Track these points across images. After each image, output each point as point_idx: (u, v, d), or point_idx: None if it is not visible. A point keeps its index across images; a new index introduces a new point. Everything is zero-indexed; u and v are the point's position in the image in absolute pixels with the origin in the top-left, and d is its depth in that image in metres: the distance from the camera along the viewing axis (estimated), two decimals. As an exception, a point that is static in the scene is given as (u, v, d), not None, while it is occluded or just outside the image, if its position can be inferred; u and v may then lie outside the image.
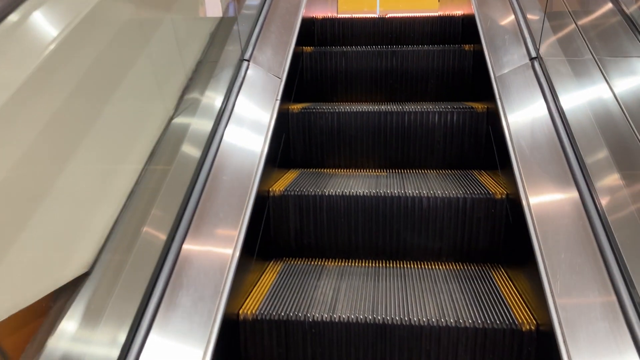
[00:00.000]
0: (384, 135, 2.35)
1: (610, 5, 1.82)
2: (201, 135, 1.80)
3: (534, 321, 1.48)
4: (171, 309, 1.35)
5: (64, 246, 1.17)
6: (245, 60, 2.25)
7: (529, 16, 2.28)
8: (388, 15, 3.38)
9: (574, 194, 1.52)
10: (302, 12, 2.83)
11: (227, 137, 1.88)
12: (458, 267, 1.91)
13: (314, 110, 2.38)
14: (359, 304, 1.63)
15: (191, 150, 1.73)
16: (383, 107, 2.35)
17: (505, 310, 1.56)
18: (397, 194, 1.92)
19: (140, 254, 1.37)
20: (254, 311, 1.59)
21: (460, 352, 1.51)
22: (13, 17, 1.04)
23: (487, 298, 1.65)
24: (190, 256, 1.49)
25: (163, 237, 1.46)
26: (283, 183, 2.10)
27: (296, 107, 2.42)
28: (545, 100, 1.86)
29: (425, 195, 1.90)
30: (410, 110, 2.31)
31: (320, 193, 1.96)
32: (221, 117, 1.93)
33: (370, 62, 2.81)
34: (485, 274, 1.85)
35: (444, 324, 1.51)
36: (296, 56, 2.62)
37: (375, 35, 3.27)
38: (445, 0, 4.43)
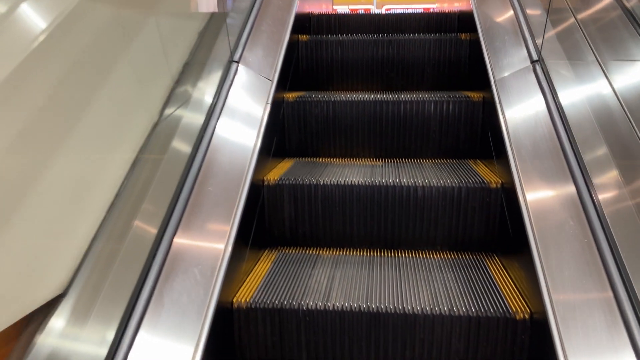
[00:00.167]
0: (380, 125, 2.34)
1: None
2: (187, 144, 1.71)
3: (528, 310, 1.48)
4: (164, 297, 1.35)
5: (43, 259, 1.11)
6: (235, 61, 2.15)
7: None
8: (385, 10, 3.38)
9: (570, 184, 1.51)
10: (296, 8, 2.74)
11: (214, 147, 1.80)
12: (453, 256, 1.91)
13: (309, 99, 2.37)
14: (354, 293, 1.62)
15: (176, 161, 1.64)
16: (379, 96, 2.34)
17: (500, 299, 1.56)
18: (392, 183, 1.91)
19: (130, 249, 1.35)
20: (247, 299, 1.59)
21: (454, 341, 1.52)
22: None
23: (481, 287, 1.65)
24: (182, 247, 1.48)
25: (154, 231, 1.44)
26: (278, 172, 2.09)
27: (291, 95, 2.40)
28: (540, 87, 1.85)
29: (421, 184, 1.90)
30: (406, 99, 2.30)
31: (315, 182, 1.95)
32: (210, 115, 1.86)
33: (366, 51, 2.80)
34: (479, 263, 1.85)
35: (438, 313, 1.51)
36: (291, 47, 2.59)
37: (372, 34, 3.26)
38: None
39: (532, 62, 2.01)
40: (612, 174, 1.43)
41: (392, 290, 1.64)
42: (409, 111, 2.31)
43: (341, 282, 1.70)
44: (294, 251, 1.99)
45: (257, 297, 1.60)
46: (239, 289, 1.65)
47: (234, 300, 1.58)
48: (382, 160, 2.36)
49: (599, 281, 1.28)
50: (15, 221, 1.00)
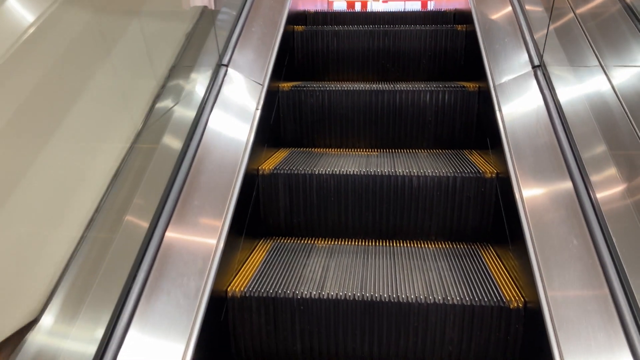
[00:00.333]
0: (375, 114, 2.34)
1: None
2: (170, 162, 1.61)
3: (522, 299, 1.49)
4: (157, 286, 1.34)
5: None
6: (224, 65, 2.05)
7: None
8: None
9: (565, 175, 1.51)
10: (289, 6, 2.65)
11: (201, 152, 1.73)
12: (447, 246, 1.91)
13: (305, 89, 2.36)
14: (348, 282, 1.62)
15: (160, 173, 1.54)
16: (374, 86, 2.33)
17: (494, 288, 1.56)
18: (387, 173, 1.91)
19: (123, 240, 1.33)
20: (242, 289, 1.58)
21: (448, 329, 1.52)
22: None
23: (475, 276, 1.65)
24: (175, 237, 1.47)
25: (145, 225, 1.41)
26: (273, 162, 2.08)
27: (286, 85, 2.39)
28: (535, 77, 1.85)
29: (416, 174, 1.90)
30: (402, 89, 2.29)
31: (310, 172, 1.94)
32: (196, 125, 1.76)
33: (362, 41, 2.78)
34: (474, 252, 1.85)
35: (432, 301, 1.51)
36: (285, 38, 2.56)
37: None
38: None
39: (534, 67, 1.95)
40: (608, 169, 1.43)
41: (386, 279, 1.64)
42: (404, 101, 2.30)
43: (336, 272, 1.70)
44: (288, 241, 1.99)
45: (252, 287, 1.59)
46: (233, 279, 1.65)
47: (228, 289, 1.58)
48: (377, 150, 2.35)
49: (593, 271, 1.28)
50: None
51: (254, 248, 1.91)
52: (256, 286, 1.59)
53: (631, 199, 1.30)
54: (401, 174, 1.90)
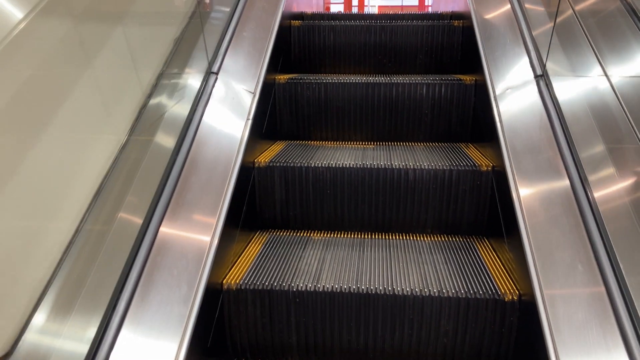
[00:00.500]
0: (372, 107, 2.33)
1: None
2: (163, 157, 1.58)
3: (517, 292, 1.49)
4: (152, 278, 1.34)
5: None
6: (213, 73, 1.98)
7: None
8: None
9: (561, 169, 1.52)
10: (282, 8, 2.54)
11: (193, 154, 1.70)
12: (443, 239, 1.91)
13: (301, 81, 2.35)
14: (344, 274, 1.62)
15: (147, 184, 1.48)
16: (371, 79, 2.33)
17: (489, 281, 1.56)
18: (383, 166, 1.91)
19: (118, 234, 1.31)
20: (237, 281, 1.58)
21: (443, 321, 1.52)
22: None
23: (470, 269, 1.66)
24: (170, 229, 1.47)
25: (139, 220, 1.39)
26: (269, 155, 2.07)
27: (282, 77, 2.38)
28: (532, 67, 1.85)
29: (412, 167, 1.90)
30: (399, 81, 2.29)
31: (306, 164, 1.94)
32: (184, 135, 1.71)
33: (359, 36, 2.78)
34: (469, 245, 1.85)
35: (427, 294, 1.51)
36: (280, 37, 2.55)
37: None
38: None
39: (532, 67, 1.93)
40: (604, 165, 1.43)
41: (382, 271, 1.64)
42: (401, 94, 2.30)
43: (331, 264, 1.70)
44: (284, 233, 1.99)
45: (247, 279, 1.59)
46: (229, 271, 1.65)
47: (224, 281, 1.58)
48: (373, 143, 2.35)
49: (587, 264, 1.28)
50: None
51: (250, 241, 1.91)
52: (252, 279, 1.59)
53: (628, 198, 1.31)
54: (397, 166, 1.90)
